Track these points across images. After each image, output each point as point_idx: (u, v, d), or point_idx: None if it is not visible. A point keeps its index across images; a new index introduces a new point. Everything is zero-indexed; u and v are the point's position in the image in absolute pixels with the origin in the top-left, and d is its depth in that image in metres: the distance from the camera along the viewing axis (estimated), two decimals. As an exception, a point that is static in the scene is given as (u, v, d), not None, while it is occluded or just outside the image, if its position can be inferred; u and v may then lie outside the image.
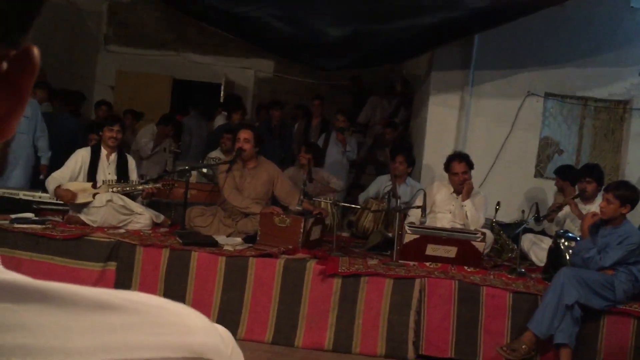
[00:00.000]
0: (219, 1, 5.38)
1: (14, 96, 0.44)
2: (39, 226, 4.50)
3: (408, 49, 6.53)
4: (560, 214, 5.29)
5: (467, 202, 5.11)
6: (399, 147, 6.56)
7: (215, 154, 6.70)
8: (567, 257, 4.33)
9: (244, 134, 4.99)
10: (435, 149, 6.67)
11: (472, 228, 4.91)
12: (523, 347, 3.72)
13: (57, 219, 4.92)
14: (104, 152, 5.05)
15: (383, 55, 6.73)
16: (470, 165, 5.16)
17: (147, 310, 0.46)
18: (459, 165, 5.11)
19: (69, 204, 4.85)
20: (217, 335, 0.51)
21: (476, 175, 6.15)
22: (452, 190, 5.22)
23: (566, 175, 5.81)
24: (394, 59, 7.16)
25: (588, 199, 5.16)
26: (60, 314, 0.42)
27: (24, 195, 5.24)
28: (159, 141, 7.25)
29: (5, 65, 0.43)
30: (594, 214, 4.20)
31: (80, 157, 4.99)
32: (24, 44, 0.44)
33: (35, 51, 0.45)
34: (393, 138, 7.50)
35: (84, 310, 0.43)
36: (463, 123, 6.72)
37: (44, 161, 6.14)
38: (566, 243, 4.37)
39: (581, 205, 5.15)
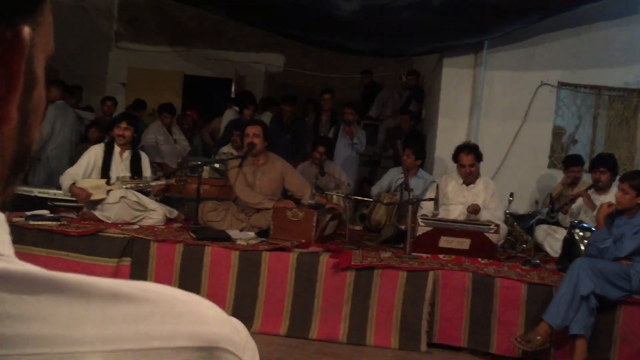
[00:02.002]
0: None
1: (6, 79, 0.43)
2: (54, 223, 4.54)
3: (418, 36, 6.43)
4: (574, 205, 5.23)
5: (480, 200, 5.08)
6: (409, 140, 6.53)
7: (227, 149, 6.73)
8: (582, 248, 4.30)
9: (253, 129, 4.99)
10: (447, 140, 6.62)
11: (485, 218, 4.88)
12: (538, 338, 3.70)
13: (71, 215, 4.96)
14: (117, 149, 5.08)
15: (395, 40, 6.62)
16: (478, 157, 5.13)
17: (161, 300, 0.46)
18: (466, 157, 5.09)
19: (83, 202, 4.89)
20: (231, 326, 0.51)
21: (489, 166, 6.12)
22: (462, 181, 5.20)
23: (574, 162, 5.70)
24: (406, 47, 7.03)
25: (602, 189, 5.11)
26: (73, 304, 0.42)
27: (39, 192, 5.29)
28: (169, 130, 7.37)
29: None
30: (610, 204, 4.16)
31: (94, 153, 5.03)
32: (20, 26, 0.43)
33: (26, 31, 0.43)
34: (409, 127, 7.47)
35: (96, 300, 0.43)
36: (475, 114, 6.68)
37: None
38: (581, 233, 4.34)
39: (595, 196, 5.10)
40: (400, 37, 6.36)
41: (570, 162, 5.73)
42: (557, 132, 6.88)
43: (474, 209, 4.94)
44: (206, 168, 5.81)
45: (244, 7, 5.90)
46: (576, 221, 4.67)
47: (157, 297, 0.46)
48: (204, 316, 0.48)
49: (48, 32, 0.49)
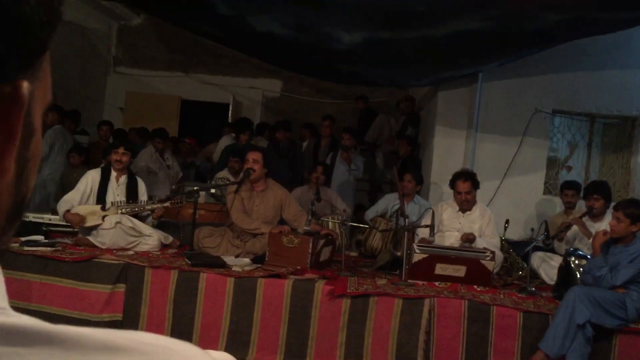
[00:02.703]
0: (230, 9, 5.38)
1: (4, 133, 0.43)
2: (49, 249, 4.52)
3: (415, 67, 6.52)
4: (570, 232, 5.24)
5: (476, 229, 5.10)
6: (408, 165, 6.56)
7: (223, 174, 6.74)
8: (578, 276, 4.29)
9: (253, 155, 5.01)
10: (443, 166, 6.66)
11: (481, 246, 4.89)
12: (535, 367, 3.68)
13: (66, 241, 4.94)
14: (113, 174, 5.09)
15: (391, 72, 6.71)
16: (475, 185, 5.16)
17: (154, 351, 0.47)
18: (463, 185, 5.12)
19: (78, 227, 4.88)
20: None
21: (485, 192, 6.14)
22: (458, 208, 5.22)
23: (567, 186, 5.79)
24: (401, 79, 7.13)
25: (596, 216, 5.13)
26: (67, 356, 0.43)
27: (33, 217, 5.28)
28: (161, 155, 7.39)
29: None
30: (605, 232, 4.17)
31: (91, 178, 5.04)
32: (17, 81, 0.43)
33: (25, 86, 0.44)
34: (406, 152, 7.50)
35: (91, 353, 0.44)
36: (471, 140, 6.72)
37: None
38: (576, 261, 4.34)
39: (590, 223, 5.12)
40: (398, 69, 6.44)
41: (564, 186, 5.79)
42: (552, 159, 6.92)
43: (468, 238, 4.95)
44: (202, 193, 5.81)
45: (241, 38, 5.96)
46: (572, 249, 4.67)
47: (151, 348, 0.47)
48: None
49: (46, 85, 0.50)
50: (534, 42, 5.76)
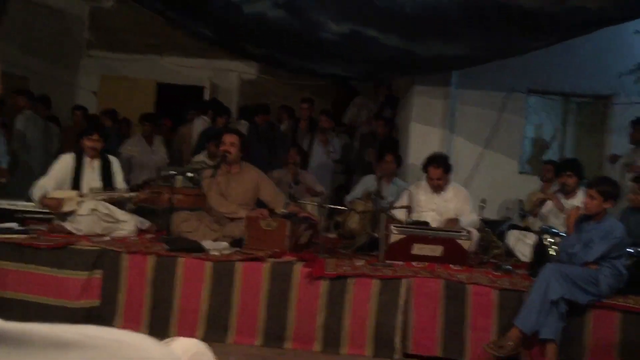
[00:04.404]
0: None
1: None
2: (23, 236, 4.46)
3: (395, 67, 6.54)
4: (544, 208, 5.33)
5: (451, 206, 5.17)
6: (388, 146, 6.58)
7: (201, 157, 6.69)
8: (552, 253, 4.37)
9: (230, 138, 4.98)
10: (420, 148, 6.70)
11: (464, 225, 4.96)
12: (509, 343, 3.75)
13: (41, 228, 4.88)
14: (86, 159, 5.03)
15: (371, 68, 6.72)
16: (447, 169, 5.25)
17: (105, 345, 0.46)
18: (435, 171, 5.20)
19: (54, 213, 4.82)
20: None
21: (462, 172, 6.20)
22: (431, 190, 5.29)
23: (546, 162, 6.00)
24: (379, 75, 7.15)
25: (569, 192, 5.22)
26: (18, 355, 0.42)
27: (7, 204, 5.20)
28: (150, 141, 7.34)
29: None
30: (578, 209, 4.24)
31: (65, 162, 4.97)
32: None
33: None
34: (384, 132, 7.52)
35: (41, 350, 0.43)
36: (448, 121, 6.76)
37: (3, 164, 6.20)
38: (550, 239, 4.42)
39: (563, 200, 5.21)
40: (377, 66, 6.44)
41: (546, 162, 5.98)
42: (527, 138, 7.00)
43: (452, 224, 5.02)
44: (179, 178, 5.76)
45: (224, 25, 5.89)
46: (545, 226, 4.75)
47: (102, 342, 0.46)
48: (152, 359, 0.48)
49: None
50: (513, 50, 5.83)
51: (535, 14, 4.47)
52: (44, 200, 4.75)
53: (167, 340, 0.62)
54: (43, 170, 5.11)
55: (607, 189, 4.05)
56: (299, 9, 5.24)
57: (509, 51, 5.65)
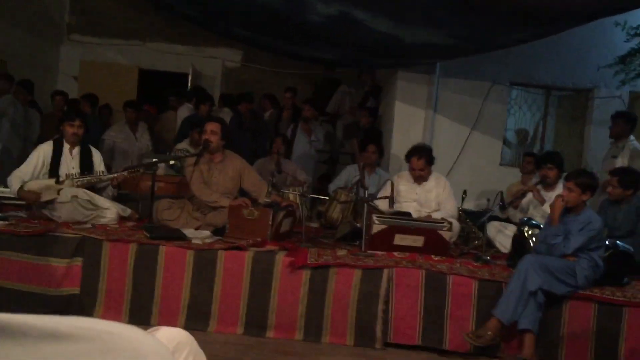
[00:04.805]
0: None
1: None
2: (2, 222, 4.41)
3: (381, 54, 6.52)
4: (524, 200, 5.40)
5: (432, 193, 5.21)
6: (370, 137, 6.60)
7: (183, 145, 6.66)
8: (531, 244, 4.43)
9: (211, 126, 4.96)
10: (403, 138, 6.73)
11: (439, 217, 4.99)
12: (488, 333, 3.80)
13: (20, 214, 4.82)
14: (66, 146, 4.97)
15: (356, 54, 6.69)
16: (429, 161, 5.27)
17: (97, 337, 0.47)
18: (417, 162, 5.23)
19: (34, 204, 4.76)
20: (169, 358, 0.52)
21: (443, 163, 6.24)
22: (413, 180, 5.32)
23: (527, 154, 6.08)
24: (364, 61, 7.11)
25: (550, 184, 5.29)
26: (11, 346, 0.42)
27: (-16, 191, 5.13)
28: (133, 128, 7.29)
29: None
30: (562, 198, 4.21)
31: (43, 152, 4.90)
32: None
33: None
34: (368, 123, 7.53)
35: (34, 341, 0.43)
36: (430, 112, 6.79)
37: None
38: (529, 231, 4.48)
39: (543, 192, 5.28)
40: (362, 50, 6.41)
41: (526, 154, 6.04)
42: (509, 130, 7.06)
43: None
44: (161, 165, 5.73)
45: (211, 10, 5.83)
46: (525, 218, 4.81)
47: (94, 333, 0.47)
48: (140, 351, 0.49)
49: None
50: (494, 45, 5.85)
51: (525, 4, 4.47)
52: (22, 193, 4.68)
53: (151, 329, 0.63)
54: (22, 156, 5.04)
55: (585, 181, 4.11)
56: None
57: (492, 43, 5.67)
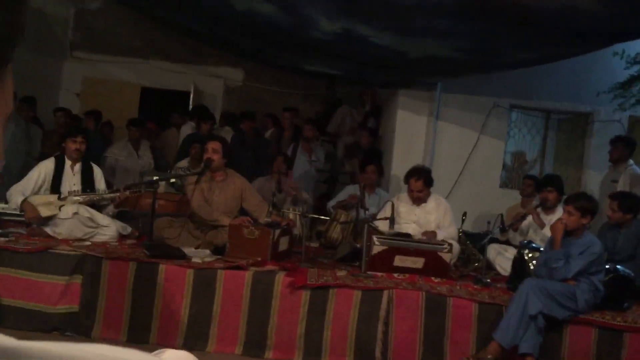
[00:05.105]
0: None
1: None
2: (2, 239, 4.40)
3: (384, 71, 6.55)
4: (524, 223, 5.40)
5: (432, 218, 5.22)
6: (370, 157, 6.62)
7: (184, 163, 6.67)
8: (531, 267, 4.43)
9: (213, 145, 4.97)
10: (403, 159, 6.75)
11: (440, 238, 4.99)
12: (489, 357, 3.79)
13: (20, 230, 4.81)
14: (68, 162, 4.98)
15: (361, 66, 6.69)
16: (428, 183, 5.26)
17: None
18: (415, 183, 5.22)
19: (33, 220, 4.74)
20: None
21: (443, 185, 6.26)
22: (412, 202, 5.32)
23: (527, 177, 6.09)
24: (369, 73, 7.12)
25: (549, 208, 5.30)
26: None
27: (-16, 207, 5.12)
28: (136, 146, 7.31)
29: None
30: (562, 221, 4.19)
31: (44, 168, 4.91)
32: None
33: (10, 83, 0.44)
34: (368, 142, 7.55)
35: None
36: (431, 134, 6.82)
37: None
38: (530, 254, 4.47)
39: (543, 215, 5.28)
40: (365, 65, 6.43)
41: (526, 177, 6.06)
42: (509, 153, 7.09)
43: (428, 236, 5.05)
44: (162, 183, 5.73)
45: (213, 21, 5.87)
46: (525, 241, 4.81)
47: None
48: None
49: (8, 94, 0.50)
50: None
51: (535, 17, 4.44)
52: (24, 205, 4.67)
53: (157, 352, 0.63)
54: (23, 173, 5.04)
55: (585, 205, 4.12)
56: (292, 5, 5.20)
57: (497, 60, 5.66)
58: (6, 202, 4.93)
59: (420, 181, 5.22)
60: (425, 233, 5.10)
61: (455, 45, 5.20)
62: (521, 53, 5.37)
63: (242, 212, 5.15)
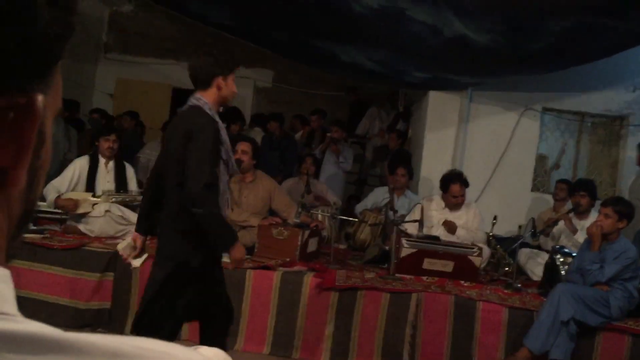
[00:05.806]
0: None
1: (18, 145, 0.44)
2: (37, 235, 4.50)
3: (418, 61, 6.41)
4: (556, 229, 5.31)
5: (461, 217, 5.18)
6: (400, 159, 6.58)
7: (214, 164, 6.72)
8: (563, 273, 4.35)
9: (243, 146, 5.00)
10: (433, 162, 6.70)
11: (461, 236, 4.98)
12: (518, 362, 3.74)
13: (55, 228, 4.92)
14: (102, 160, 5.07)
15: (394, 61, 6.57)
16: (466, 185, 5.23)
17: (155, 357, 0.48)
18: (458, 188, 5.17)
19: (69, 214, 4.86)
20: None
21: (473, 188, 6.18)
22: (444, 205, 5.28)
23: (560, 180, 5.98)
24: (401, 71, 7.00)
25: (582, 213, 5.20)
26: None
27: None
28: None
29: (12, 114, 0.43)
30: (598, 225, 4.09)
31: (79, 165, 5.01)
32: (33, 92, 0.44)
33: (39, 99, 0.45)
34: (396, 145, 7.52)
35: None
36: (461, 136, 6.76)
37: None
38: (562, 259, 4.40)
39: (575, 220, 5.18)
40: (403, 55, 6.27)
41: (559, 181, 6.00)
42: (541, 157, 6.98)
43: (450, 227, 5.01)
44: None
45: (249, 15, 5.83)
46: (557, 246, 4.74)
47: (153, 354, 0.48)
48: None
49: (57, 92, 0.51)
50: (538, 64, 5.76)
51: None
52: (59, 201, 4.77)
53: (192, 348, 0.64)
54: (59, 172, 5.15)
55: (622, 209, 4.05)
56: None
57: (532, 47, 5.50)
58: (42, 199, 5.05)
59: (461, 184, 5.19)
60: (445, 222, 5.07)
61: (488, 27, 5.02)
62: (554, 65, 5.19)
63: (271, 212, 5.17)
